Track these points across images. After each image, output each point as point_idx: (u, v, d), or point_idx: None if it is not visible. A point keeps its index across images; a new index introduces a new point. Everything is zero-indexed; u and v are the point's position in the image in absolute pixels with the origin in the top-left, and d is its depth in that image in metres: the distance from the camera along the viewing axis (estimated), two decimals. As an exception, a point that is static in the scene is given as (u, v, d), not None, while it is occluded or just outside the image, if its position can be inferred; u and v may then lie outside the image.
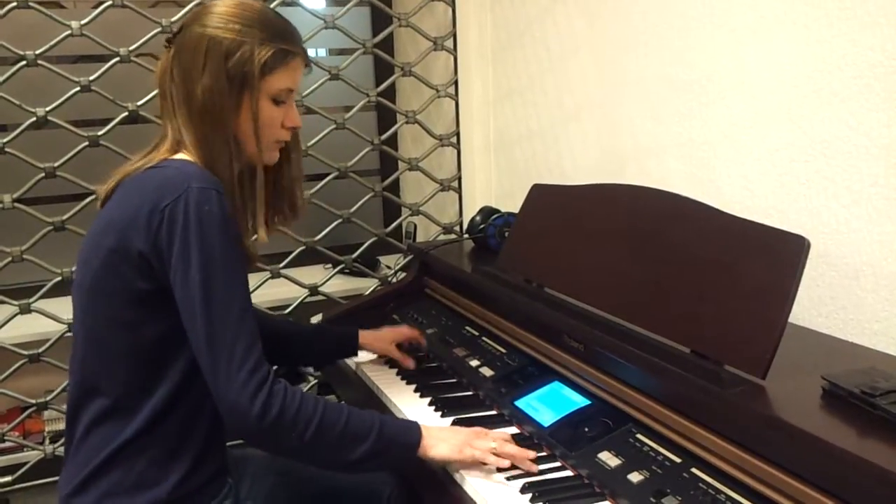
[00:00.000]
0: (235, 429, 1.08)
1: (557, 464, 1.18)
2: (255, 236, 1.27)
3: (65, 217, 1.98)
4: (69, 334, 1.21)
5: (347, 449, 1.12)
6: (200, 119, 1.16)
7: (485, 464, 1.16)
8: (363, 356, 1.67)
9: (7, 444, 2.26)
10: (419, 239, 2.47)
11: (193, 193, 1.07)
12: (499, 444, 1.17)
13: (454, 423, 1.32)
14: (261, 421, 1.05)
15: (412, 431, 1.17)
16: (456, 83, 2.38)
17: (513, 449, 1.17)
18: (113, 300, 1.12)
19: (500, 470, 1.16)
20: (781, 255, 1.05)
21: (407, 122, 2.38)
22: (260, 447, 1.13)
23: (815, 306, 1.34)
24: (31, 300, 1.99)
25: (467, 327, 1.68)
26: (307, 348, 1.61)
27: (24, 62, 1.90)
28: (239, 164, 1.20)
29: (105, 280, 1.12)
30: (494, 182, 2.39)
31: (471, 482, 1.14)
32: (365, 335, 1.62)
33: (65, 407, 1.22)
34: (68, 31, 1.92)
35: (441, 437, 1.18)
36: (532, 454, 1.17)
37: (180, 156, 1.18)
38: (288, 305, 2.28)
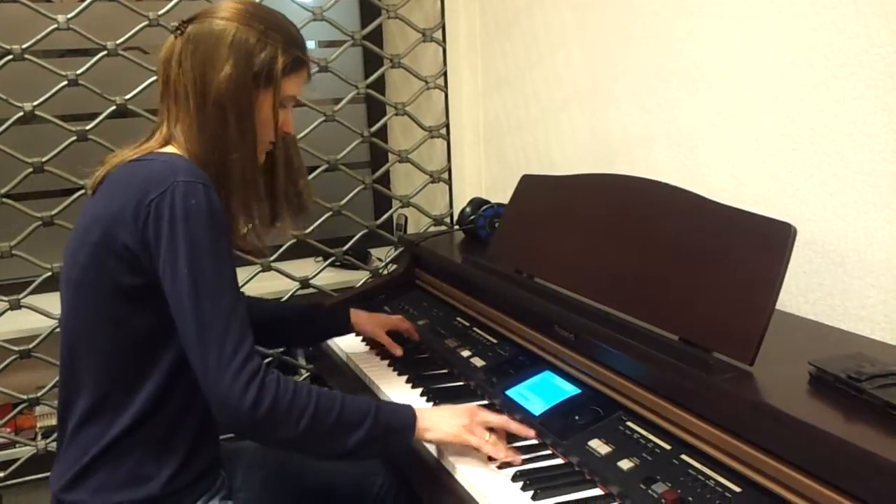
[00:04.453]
0: (228, 423, 1.06)
1: (548, 452, 1.19)
2: (248, 227, 1.26)
3: (54, 212, 1.97)
4: (59, 330, 1.20)
5: (343, 437, 1.11)
6: (213, 107, 1.15)
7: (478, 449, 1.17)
8: (353, 346, 1.67)
9: (-1, 441, 2.26)
10: (410, 231, 2.47)
11: (180, 187, 1.06)
12: (493, 440, 1.17)
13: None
14: (253, 413, 1.04)
15: (407, 416, 1.17)
16: (445, 74, 2.38)
17: (503, 451, 1.16)
18: (99, 295, 1.11)
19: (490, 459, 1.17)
20: (769, 242, 1.06)
21: (396, 114, 2.37)
22: (254, 439, 1.13)
23: (801, 293, 1.35)
24: (21, 296, 1.98)
25: (458, 318, 1.69)
26: (299, 327, 1.61)
27: (10, 56, 1.89)
28: (230, 157, 1.18)
29: (91, 275, 1.11)
30: (484, 173, 2.39)
31: (462, 471, 1.15)
32: (357, 314, 1.62)
33: (56, 403, 1.22)
34: (55, 25, 1.90)
35: (436, 419, 1.18)
36: (517, 459, 1.16)
37: (169, 149, 1.17)
38: (279, 298, 2.28)
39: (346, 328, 1.62)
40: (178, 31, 1.19)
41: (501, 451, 1.16)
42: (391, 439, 1.16)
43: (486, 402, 1.37)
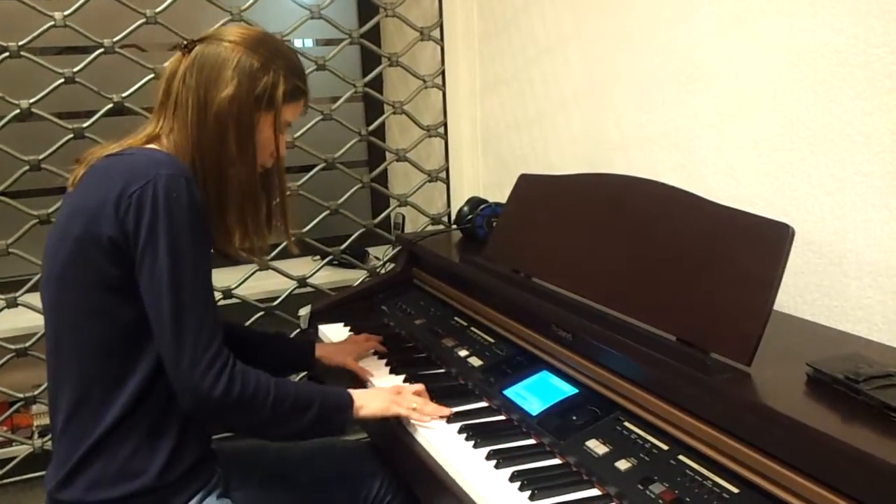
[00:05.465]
0: (195, 409, 1.12)
1: (546, 452, 1.19)
2: (244, 240, 1.29)
3: (50, 210, 1.96)
4: (44, 331, 1.21)
5: (297, 419, 1.19)
6: (214, 123, 1.18)
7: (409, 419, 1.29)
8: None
9: (-5, 439, 2.26)
10: (407, 230, 2.46)
11: (162, 180, 1.08)
12: (419, 405, 1.29)
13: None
14: (223, 401, 1.10)
15: (345, 397, 1.26)
16: (443, 73, 2.38)
17: (430, 408, 1.29)
18: (83, 288, 1.12)
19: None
20: (766, 243, 1.06)
21: (394, 113, 2.37)
22: (220, 424, 1.21)
23: (799, 293, 1.35)
24: (18, 294, 1.98)
25: (456, 318, 1.69)
26: (263, 355, 1.52)
27: (6, 53, 1.88)
28: (228, 172, 1.21)
29: (74, 269, 1.12)
30: (482, 172, 2.39)
31: (460, 472, 1.15)
32: (322, 348, 1.60)
33: (52, 402, 1.22)
34: (52, 22, 1.90)
35: (367, 397, 1.29)
36: (447, 411, 1.30)
37: (151, 146, 1.19)
38: (276, 297, 2.28)
39: (309, 364, 1.61)
40: (186, 49, 1.21)
41: (427, 416, 1.28)
42: (335, 418, 1.24)
43: (483, 401, 1.37)
